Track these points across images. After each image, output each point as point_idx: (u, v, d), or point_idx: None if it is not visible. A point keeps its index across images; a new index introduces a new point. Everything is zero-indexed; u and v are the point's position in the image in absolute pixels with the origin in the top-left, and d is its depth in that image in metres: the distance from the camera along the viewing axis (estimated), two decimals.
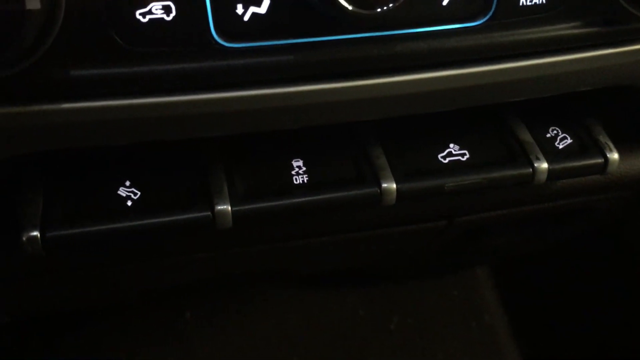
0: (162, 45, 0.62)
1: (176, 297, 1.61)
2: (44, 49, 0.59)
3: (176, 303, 1.65)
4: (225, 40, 0.64)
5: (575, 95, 0.82)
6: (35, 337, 1.56)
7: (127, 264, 0.89)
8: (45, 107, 0.63)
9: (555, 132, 0.88)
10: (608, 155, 0.86)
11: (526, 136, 0.86)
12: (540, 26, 0.71)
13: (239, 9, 0.63)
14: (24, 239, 0.71)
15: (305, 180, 0.79)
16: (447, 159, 0.84)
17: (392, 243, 1.08)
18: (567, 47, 0.74)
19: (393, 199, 0.79)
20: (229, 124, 0.70)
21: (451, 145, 0.85)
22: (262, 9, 0.63)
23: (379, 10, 0.62)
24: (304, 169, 0.80)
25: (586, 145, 0.87)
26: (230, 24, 0.63)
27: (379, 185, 0.79)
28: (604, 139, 0.87)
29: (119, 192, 0.75)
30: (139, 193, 0.76)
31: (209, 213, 0.74)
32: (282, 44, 0.65)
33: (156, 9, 0.61)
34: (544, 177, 0.83)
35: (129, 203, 0.75)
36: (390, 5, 0.62)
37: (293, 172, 0.80)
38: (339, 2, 0.61)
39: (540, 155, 0.84)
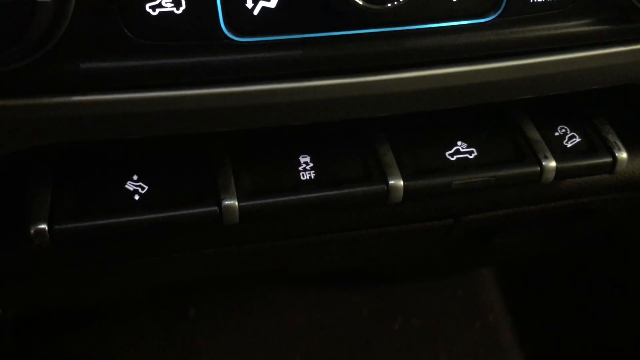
0: (172, 38, 0.62)
1: (180, 294, 1.61)
2: (53, 42, 0.59)
3: (180, 300, 1.65)
4: (235, 35, 0.64)
5: (584, 94, 0.82)
6: (39, 334, 1.56)
7: (133, 259, 0.89)
8: (55, 99, 0.63)
9: (563, 130, 0.88)
10: (617, 155, 0.85)
11: (534, 134, 0.86)
12: (551, 23, 0.71)
13: (249, 3, 0.63)
14: (32, 231, 0.71)
15: (312, 177, 0.79)
16: (455, 157, 0.83)
17: (399, 241, 1.08)
18: (578, 45, 0.74)
19: (400, 196, 0.79)
20: (237, 118, 0.70)
21: (459, 143, 0.84)
22: (272, 3, 0.63)
23: (389, 5, 0.62)
24: (311, 165, 0.80)
25: (595, 144, 0.87)
26: (239, 18, 0.63)
27: (386, 183, 0.79)
28: (612, 138, 0.87)
29: (126, 186, 0.75)
30: (147, 187, 0.75)
31: (216, 208, 0.74)
32: (291, 39, 0.65)
33: (166, 2, 0.60)
34: (551, 175, 0.83)
35: (137, 197, 0.75)
36: (401, 0, 0.62)
37: (300, 169, 0.79)
38: None
39: (549, 154, 0.83)
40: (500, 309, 1.73)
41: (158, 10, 0.60)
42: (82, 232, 0.72)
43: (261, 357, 1.60)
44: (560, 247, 1.40)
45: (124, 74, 0.63)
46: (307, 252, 1.04)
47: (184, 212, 0.74)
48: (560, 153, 0.84)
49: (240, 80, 0.66)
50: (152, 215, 0.73)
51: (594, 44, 0.74)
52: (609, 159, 0.85)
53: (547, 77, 0.75)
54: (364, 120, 0.80)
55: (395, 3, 0.62)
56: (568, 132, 0.88)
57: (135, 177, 0.76)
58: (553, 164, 0.83)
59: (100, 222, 0.72)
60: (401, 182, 0.79)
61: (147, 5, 0.60)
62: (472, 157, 0.83)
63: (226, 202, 0.74)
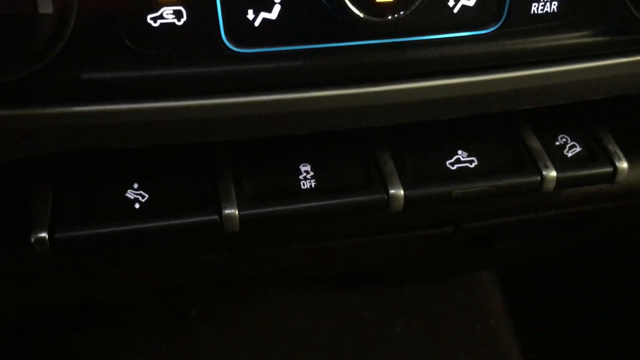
0: (173, 49, 0.63)
1: (181, 295, 1.61)
2: (55, 53, 0.59)
3: (181, 302, 1.65)
4: (236, 46, 0.64)
5: (584, 103, 0.82)
6: (40, 334, 1.57)
7: (133, 265, 0.90)
8: (56, 109, 0.63)
9: (564, 140, 0.88)
10: (617, 164, 0.85)
11: (535, 144, 0.86)
12: (552, 34, 0.71)
13: (250, 15, 0.63)
14: (33, 239, 0.71)
15: (313, 185, 0.79)
16: (455, 166, 0.83)
17: (399, 248, 1.08)
18: (578, 56, 0.74)
19: (400, 205, 0.79)
20: (238, 128, 0.70)
21: (459, 151, 0.84)
22: (273, 15, 0.63)
23: (390, 17, 0.62)
24: (312, 173, 0.80)
25: (595, 154, 0.87)
26: (240, 29, 0.63)
27: (387, 191, 0.79)
28: (613, 147, 0.87)
29: (127, 194, 0.76)
30: (147, 196, 0.76)
31: (217, 217, 0.75)
32: (292, 50, 0.65)
33: (167, 14, 0.61)
34: (552, 185, 0.83)
35: (137, 205, 0.75)
36: (402, 12, 0.62)
37: (301, 177, 0.80)
38: (351, 10, 0.61)
39: (549, 163, 0.83)
40: (500, 312, 1.73)
41: (159, 21, 0.61)
42: (82, 240, 0.72)
43: (261, 358, 1.60)
44: (561, 252, 1.40)
45: (125, 84, 0.63)
46: (307, 258, 1.04)
47: (184, 220, 0.74)
48: (560, 162, 0.85)
49: (241, 90, 0.66)
50: (152, 224, 0.73)
51: (595, 55, 0.74)
52: (609, 169, 0.85)
53: (548, 88, 0.75)
54: (364, 129, 0.80)
55: (396, 15, 0.62)
56: (569, 142, 0.88)
57: (135, 186, 0.76)
58: (553, 173, 0.83)
59: (101, 230, 0.72)
60: (401, 191, 0.79)
61: (149, 17, 0.60)
62: (472, 166, 0.83)
63: (227, 211, 0.75)
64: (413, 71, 0.70)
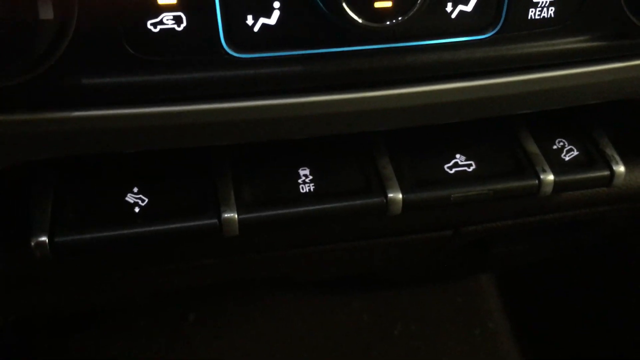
0: (173, 55, 0.63)
1: (180, 299, 1.62)
2: (56, 58, 0.59)
3: (180, 305, 1.65)
4: (235, 51, 0.64)
5: (582, 107, 0.82)
6: (40, 337, 1.57)
7: (133, 269, 0.90)
8: (56, 114, 0.63)
9: (561, 143, 0.88)
10: (614, 168, 0.86)
11: (533, 147, 0.86)
12: (549, 39, 0.71)
13: (249, 20, 0.63)
14: (33, 244, 0.71)
15: (312, 189, 0.79)
16: (454, 170, 0.84)
17: (398, 251, 1.08)
18: (575, 61, 0.74)
19: (399, 209, 0.80)
20: (237, 133, 0.70)
21: (457, 155, 0.85)
22: (272, 20, 0.63)
23: (388, 23, 0.63)
24: (311, 177, 0.80)
25: (593, 158, 0.87)
26: (240, 35, 0.64)
27: (385, 195, 0.79)
28: (610, 151, 0.87)
29: (126, 198, 0.76)
30: (147, 200, 0.76)
31: (216, 221, 0.75)
32: (291, 55, 0.66)
33: (167, 19, 0.61)
34: (550, 189, 0.84)
35: (137, 210, 0.75)
36: (400, 18, 0.63)
37: (300, 181, 0.80)
38: (350, 15, 0.61)
39: (547, 167, 0.84)
40: (499, 315, 1.73)
41: (159, 27, 0.61)
42: (82, 244, 0.72)
43: None
44: (559, 256, 1.40)
45: (125, 89, 0.63)
46: (306, 262, 1.04)
47: (183, 224, 0.74)
48: (558, 166, 0.85)
49: (241, 95, 0.67)
50: (152, 228, 0.74)
51: (592, 59, 0.75)
52: (606, 173, 0.86)
53: (546, 92, 0.76)
54: (363, 133, 0.80)
55: (395, 21, 0.63)
56: (566, 145, 0.88)
57: (135, 190, 0.76)
58: (551, 177, 0.83)
59: (100, 234, 0.73)
60: (400, 195, 0.79)
61: (149, 22, 0.61)
62: (470, 170, 0.84)
63: (226, 215, 0.75)
64: (411, 76, 0.70)
